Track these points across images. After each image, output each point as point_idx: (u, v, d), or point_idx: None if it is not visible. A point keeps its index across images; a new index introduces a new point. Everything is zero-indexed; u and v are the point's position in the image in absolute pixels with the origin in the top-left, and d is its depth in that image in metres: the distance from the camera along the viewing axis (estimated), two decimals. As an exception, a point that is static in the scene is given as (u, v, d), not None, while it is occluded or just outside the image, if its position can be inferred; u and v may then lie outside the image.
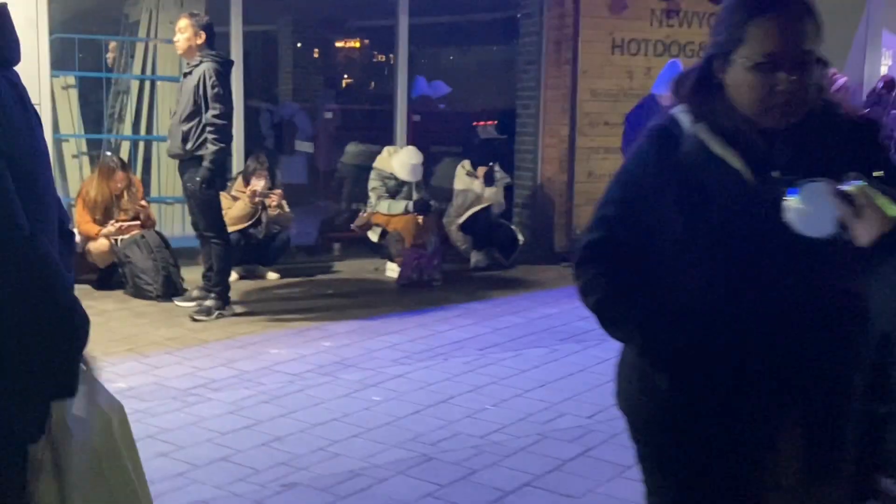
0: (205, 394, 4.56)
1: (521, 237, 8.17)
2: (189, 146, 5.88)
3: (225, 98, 5.83)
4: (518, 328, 6.03)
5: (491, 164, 8.25)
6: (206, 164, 5.80)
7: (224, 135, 5.85)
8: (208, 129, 5.80)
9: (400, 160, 7.61)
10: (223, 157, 5.96)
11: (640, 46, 8.69)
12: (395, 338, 5.69)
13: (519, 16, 8.98)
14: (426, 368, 5.08)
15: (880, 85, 9.82)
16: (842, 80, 9.49)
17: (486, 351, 5.45)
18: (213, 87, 5.77)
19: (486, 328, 6.00)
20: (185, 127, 5.86)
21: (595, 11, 8.47)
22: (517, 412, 4.39)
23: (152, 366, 5.01)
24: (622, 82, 8.61)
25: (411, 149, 7.73)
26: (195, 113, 5.82)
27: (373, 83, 12.94)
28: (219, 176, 5.94)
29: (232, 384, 4.73)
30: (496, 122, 10.20)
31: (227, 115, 5.83)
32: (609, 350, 5.50)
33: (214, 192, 6.01)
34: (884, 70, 10.62)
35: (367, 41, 12.73)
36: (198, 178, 5.80)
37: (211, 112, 5.77)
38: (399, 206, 7.53)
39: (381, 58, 12.66)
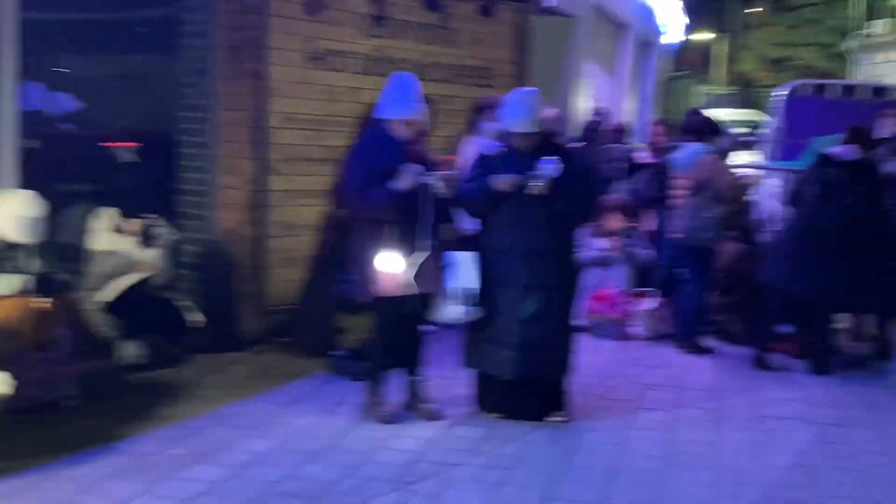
0: None
1: (193, 316, 5.82)
2: None
3: None
4: (222, 494, 3.75)
5: (151, 216, 5.80)
6: None
7: None
8: None
9: (7, 212, 4.91)
10: None
11: (344, 60, 6.75)
12: (3, 553, 3.16)
13: (181, 11, 6.59)
14: None
15: (595, 118, 8.97)
16: (551, 112, 8.53)
17: (179, 567, 3.13)
18: None
19: (168, 502, 3.65)
20: None
21: (286, 10, 6.37)
22: None
23: None
24: (324, 106, 6.61)
25: (25, 194, 5.03)
26: None
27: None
28: None
29: None
30: (139, 143, 7.66)
31: None
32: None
33: None
34: (588, 101, 9.91)
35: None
36: None
37: None
38: (7, 283, 4.84)
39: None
